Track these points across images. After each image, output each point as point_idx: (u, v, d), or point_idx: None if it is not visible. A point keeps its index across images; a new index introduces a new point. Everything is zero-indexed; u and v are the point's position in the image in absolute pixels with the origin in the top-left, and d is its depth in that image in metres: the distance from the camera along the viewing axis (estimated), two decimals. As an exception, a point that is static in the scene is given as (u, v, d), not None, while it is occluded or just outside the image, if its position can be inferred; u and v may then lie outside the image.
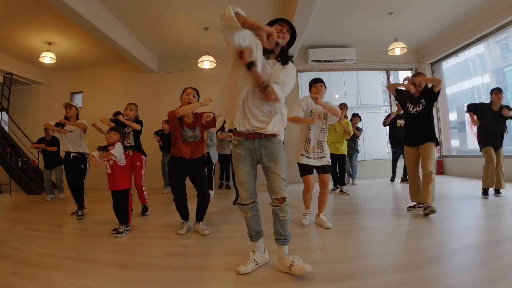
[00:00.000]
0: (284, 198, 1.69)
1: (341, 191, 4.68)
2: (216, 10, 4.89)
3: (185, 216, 2.82)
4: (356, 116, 5.66)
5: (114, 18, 5.02)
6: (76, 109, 3.81)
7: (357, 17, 5.49)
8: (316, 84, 2.84)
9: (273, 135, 1.77)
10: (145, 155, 3.70)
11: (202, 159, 2.95)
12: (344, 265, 1.78)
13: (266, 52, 1.73)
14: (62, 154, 3.78)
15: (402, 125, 5.24)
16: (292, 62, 1.80)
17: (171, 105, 2.61)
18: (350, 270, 1.70)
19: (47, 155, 5.15)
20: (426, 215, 2.83)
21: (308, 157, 2.77)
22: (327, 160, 2.80)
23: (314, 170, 2.83)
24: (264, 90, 1.63)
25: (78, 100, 7.35)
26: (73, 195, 3.71)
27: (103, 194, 3.85)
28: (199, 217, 2.81)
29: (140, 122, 3.62)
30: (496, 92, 3.81)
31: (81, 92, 7.34)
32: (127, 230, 2.81)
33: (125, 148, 3.43)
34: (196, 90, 2.82)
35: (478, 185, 4.28)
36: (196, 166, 2.83)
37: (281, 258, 1.74)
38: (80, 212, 3.58)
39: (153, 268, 1.89)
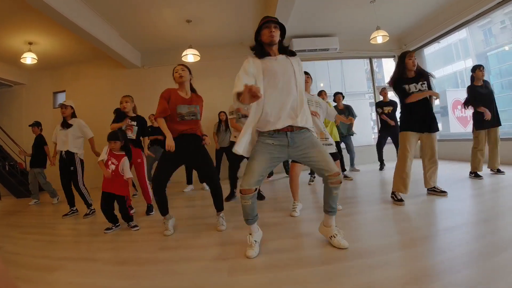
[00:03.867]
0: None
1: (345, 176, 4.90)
2: (198, 2, 4.87)
3: (163, 209, 2.61)
4: (338, 94, 5.52)
5: (95, 14, 4.92)
6: (72, 108, 3.78)
7: (340, 6, 5.52)
8: None
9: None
10: (143, 150, 3.67)
11: (201, 141, 2.72)
12: (332, 249, 1.88)
13: (268, 51, 1.95)
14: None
15: (390, 111, 5.40)
16: (295, 54, 2.02)
17: (156, 100, 2.61)
18: (337, 253, 1.80)
19: (34, 153, 4.89)
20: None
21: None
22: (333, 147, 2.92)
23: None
24: None
25: (61, 99, 7.15)
26: (66, 196, 3.75)
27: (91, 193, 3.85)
28: (217, 206, 2.67)
29: (142, 120, 3.65)
30: (480, 68, 3.86)
31: (64, 91, 7.20)
32: (135, 227, 2.85)
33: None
34: (186, 66, 2.69)
35: (461, 167, 4.44)
36: (198, 143, 2.66)
37: (328, 226, 1.98)
38: (88, 211, 3.62)
39: (151, 263, 1.97)
